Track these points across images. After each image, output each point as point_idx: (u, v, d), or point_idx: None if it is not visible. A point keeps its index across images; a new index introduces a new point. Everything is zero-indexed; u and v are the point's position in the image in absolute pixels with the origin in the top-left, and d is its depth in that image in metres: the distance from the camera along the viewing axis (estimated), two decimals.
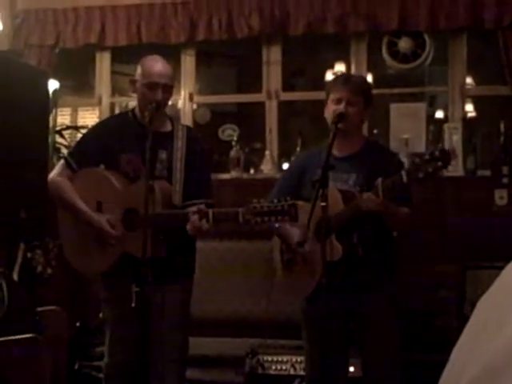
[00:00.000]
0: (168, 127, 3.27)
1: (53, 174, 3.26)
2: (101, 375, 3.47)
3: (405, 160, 4.77)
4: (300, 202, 2.88)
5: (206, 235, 3.15)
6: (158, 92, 3.11)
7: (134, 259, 2.94)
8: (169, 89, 3.18)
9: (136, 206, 2.99)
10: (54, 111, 4.89)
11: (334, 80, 3.37)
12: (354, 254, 3.02)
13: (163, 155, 3.17)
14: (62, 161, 3.34)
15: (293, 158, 5.21)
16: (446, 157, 2.82)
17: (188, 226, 2.94)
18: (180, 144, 3.21)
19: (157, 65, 3.16)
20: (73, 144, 5.47)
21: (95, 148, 3.21)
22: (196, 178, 3.19)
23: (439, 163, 2.80)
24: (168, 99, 3.23)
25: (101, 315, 3.91)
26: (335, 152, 3.15)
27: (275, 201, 2.83)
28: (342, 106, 3.10)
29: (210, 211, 2.93)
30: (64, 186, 3.19)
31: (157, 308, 3.04)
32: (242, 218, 2.85)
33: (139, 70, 3.18)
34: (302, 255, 3.11)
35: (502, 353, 0.63)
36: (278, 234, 3.27)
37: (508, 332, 0.64)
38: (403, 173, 2.86)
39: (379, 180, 2.89)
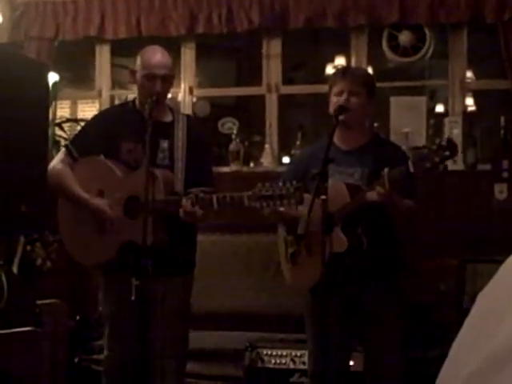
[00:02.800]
0: (169, 117, 3.25)
1: (54, 162, 3.26)
2: (101, 369, 3.47)
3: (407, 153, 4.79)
4: (305, 195, 2.87)
5: (201, 222, 3.13)
6: (158, 83, 3.10)
7: (134, 250, 2.92)
8: (169, 79, 3.16)
9: (138, 193, 2.96)
10: (53, 104, 4.88)
11: (335, 73, 3.36)
12: (359, 246, 3.01)
13: (165, 144, 3.16)
14: (63, 149, 3.34)
15: (293, 152, 5.21)
16: (453, 147, 2.81)
17: (180, 212, 2.92)
18: (181, 134, 3.20)
19: (156, 56, 3.14)
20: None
21: (96, 137, 3.20)
22: (198, 167, 3.18)
23: (446, 153, 2.78)
24: (168, 89, 3.21)
25: (100, 308, 3.91)
26: (340, 146, 3.14)
27: (280, 184, 2.82)
28: (343, 98, 3.09)
29: (215, 196, 2.90)
30: (64, 173, 3.18)
31: (157, 301, 3.04)
32: (248, 202, 2.83)
33: (139, 60, 3.17)
34: (306, 247, 3.11)
35: (504, 345, 0.63)
36: (283, 219, 3.25)
37: (510, 324, 0.64)
38: (410, 163, 2.84)
39: (385, 170, 2.87)
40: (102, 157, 3.19)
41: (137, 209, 3.00)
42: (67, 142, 3.40)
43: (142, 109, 3.16)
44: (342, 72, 3.26)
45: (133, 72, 3.20)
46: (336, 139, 3.08)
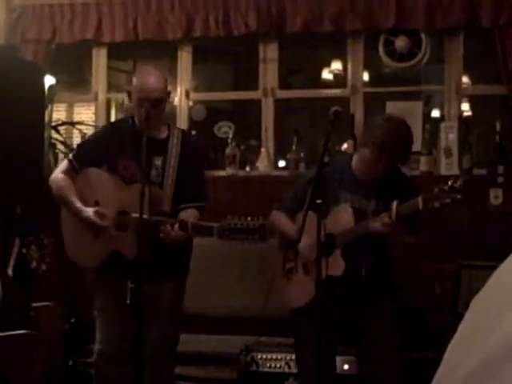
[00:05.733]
0: (164, 133, 3.36)
1: (56, 172, 3.38)
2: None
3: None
4: (311, 214, 2.85)
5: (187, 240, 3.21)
6: (149, 105, 3.18)
7: (123, 259, 3.09)
8: (162, 100, 3.26)
9: (127, 208, 3.12)
10: (49, 107, 4.88)
11: (386, 142, 3.04)
12: (356, 272, 3.03)
13: (158, 162, 3.27)
14: (65, 161, 3.46)
15: (289, 156, 5.21)
16: (464, 190, 2.80)
17: (161, 235, 3.04)
18: (174, 151, 3.31)
19: (149, 81, 3.24)
20: (69, 140, 5.50)
21: (96, 153, 3.32)
22: (189, 182, 3.29)
23: (458, 196, 2.78)
24: (163, 109, 3.31)
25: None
26: (358, 174, 3.15)
27: (249, 219, 2.90)
28: (380, 168, 3.06)
29: (190, 222, 3.04)
30: (63, 183, 3.30)
31: (149, 301, 3.10)
32: (217, 233, 2.94)
33: (134, 82, 3.29)
34: (303, 266, 3.15)
35: (498, 348, 0.63)
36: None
37: (504, 327, 0.64)
38: (420, 199, 2.83)
39: (395, 203, 2.88)
40: (101, 169, 3.33)
41: (125, 222, 3.15)
42: (70, 157, 3.49)
43: (139, 126, 3.26)
44: (388, 145, 3.03)
45: (129, 93, 3.31)
46: (355, 169, 3.10)
